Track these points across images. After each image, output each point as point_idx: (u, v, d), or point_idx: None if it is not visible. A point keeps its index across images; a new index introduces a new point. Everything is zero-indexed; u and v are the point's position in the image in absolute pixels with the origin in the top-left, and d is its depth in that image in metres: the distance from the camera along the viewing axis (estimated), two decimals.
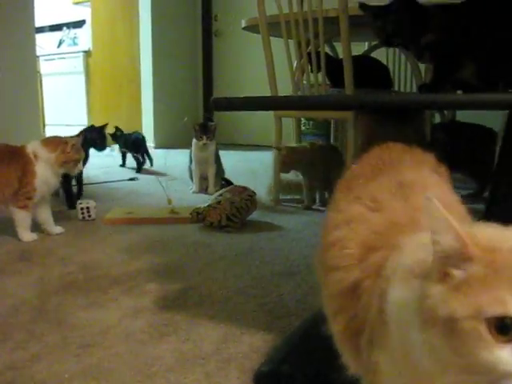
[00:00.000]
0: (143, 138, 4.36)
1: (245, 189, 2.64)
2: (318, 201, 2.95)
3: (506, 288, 0.48)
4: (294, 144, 3.12)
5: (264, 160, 4.22)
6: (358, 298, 0.66)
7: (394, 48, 3.40)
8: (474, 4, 1.25)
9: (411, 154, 0.89)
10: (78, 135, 2.55)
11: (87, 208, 2.61)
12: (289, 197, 3.11)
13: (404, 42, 1.33)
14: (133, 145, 4.24)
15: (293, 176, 3.04)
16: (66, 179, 2.61)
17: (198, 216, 2.49)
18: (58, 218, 2.46)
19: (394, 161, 0.86)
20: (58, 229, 2.38)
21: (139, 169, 4.16)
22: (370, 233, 0.70)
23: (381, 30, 1.32)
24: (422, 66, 2.96)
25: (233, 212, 2.44)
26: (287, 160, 2.78)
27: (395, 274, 0.58)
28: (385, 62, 3.35)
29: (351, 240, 0.71)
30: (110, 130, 3.77)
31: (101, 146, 3.17)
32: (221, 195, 2.57)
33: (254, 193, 2.65)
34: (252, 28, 3.13)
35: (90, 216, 2.62)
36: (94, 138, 3.10)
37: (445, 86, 1.22)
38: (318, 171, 2.83)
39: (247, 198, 2.56)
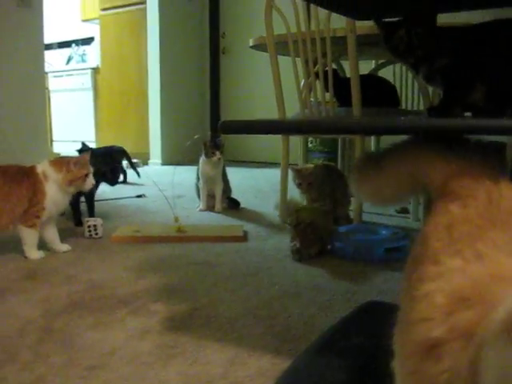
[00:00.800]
0: (118, 150, 4.22)
1: None
2: None
3: None
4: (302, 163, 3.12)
5: (270, 177, 4.22)
6: (438, 360, 0.54)
7: (401, 66, 3.40)
8: (485, 27, 1.25)
9: None
10: (85, 151, 2.56)
11: (94, 226, 2.61)
12: None
13: (420, 58, 1.31)
14: (103, 158, 4.01)
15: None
16: (74, 196, 2.60)
17: None
18: (64, 235, 2.46)
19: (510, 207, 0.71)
20: (64, 247, 2.38)
21: (112, 182, 3.92)
22: (465, 283, 0.57)
23: (401, 41, 1.30)
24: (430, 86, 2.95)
25: None
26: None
27: (495, 335, 0.46)
28: (392, 81, 3.35)
29: (441, 291, 0.59)
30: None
31: (112, 181, 3.12)
32: None
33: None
34: (259, 47, 3.14)
35: (96, 234, 2.62)
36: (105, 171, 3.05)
37: (454, 110, 1.21)
38: (320, 191, 2.82)
39: None
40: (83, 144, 4.02)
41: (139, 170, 4.38)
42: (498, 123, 0.89)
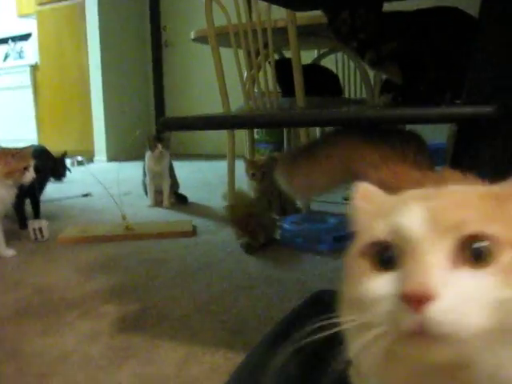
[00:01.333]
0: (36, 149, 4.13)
1: None
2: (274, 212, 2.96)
3: (378, 221, 0.52)
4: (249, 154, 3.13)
5: (217, 170, 4.21)
6: None
7: (343, 55, 3.44)
8: (429, 12, 1.27)
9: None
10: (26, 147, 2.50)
11: (39, 228, 2.55)
12: None
13: (364, 42, 1.30)
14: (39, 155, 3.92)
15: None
16: (18, 198, 2.53)
17: None
18: (9, 239, 2.40)
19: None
20: (10, 252, 2.32)
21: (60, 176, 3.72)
22: None
23: (344, 23, 1.29)
24: (371, 73, 2.99)
25: None
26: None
27: None
28: (334, 70, 3.38)
29: None
30: None
31: (60, 175, 3.05)
32: None
33: None
34: (201, 39, 3.12)
35: (42, 236, 2.56)
36: (51, 166, 2.98)
37: (417, 94, 1.23)
38: (270, 183, 2.84)
39: None
40: None
41: (84, 167, 4.30)
42: (440, 112, 0.91)
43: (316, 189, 1.15)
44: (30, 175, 2.31)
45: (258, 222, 2.33)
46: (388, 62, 1.28)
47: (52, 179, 3.05)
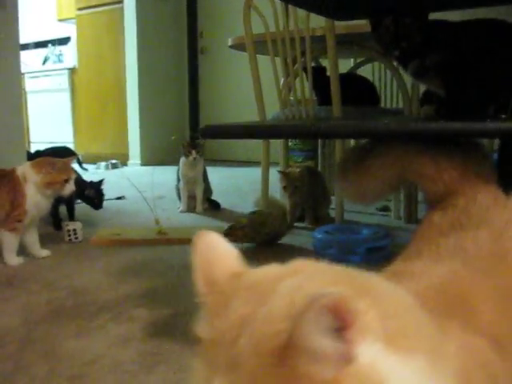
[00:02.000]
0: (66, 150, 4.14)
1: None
2: (306, 220, 2.95)
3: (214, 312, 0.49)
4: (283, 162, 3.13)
5: (250, 177, 4.21)
6: None
7: (379, 64, 3.41)
8: (477, 25, 1.24)
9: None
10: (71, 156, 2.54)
11: (74, 230, 2.58)
12: None
13: (407, 51, 1.28)
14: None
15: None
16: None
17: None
18: (43, 240, 2.42)
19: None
20: (44, 252, 2.34)
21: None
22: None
23: (387, 30, 1.26)
24: (408, 83, 2.96)
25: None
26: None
27: None
28: (371, 80, 3.35)
29: None
30: None
31: (98, 205, 3.04)
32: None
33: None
34: (238, 46, 3.12)
35: (76, 238, 2.58)
36: (91, 195, 2.98)
37: (461, 107, 1.20)
38: (302, 193, 2.84)
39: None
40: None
41: (118, 170, 4.34)
42: (485, 126, 0.89)
43: (367, 195, 1.14)
44: (70, 188, 2.30)
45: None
46: (432, 74, 1.25)
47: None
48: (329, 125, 1.24)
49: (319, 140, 3.85)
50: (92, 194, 2.93)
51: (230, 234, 2.35)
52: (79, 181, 2.88)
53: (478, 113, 1.18)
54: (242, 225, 2.46)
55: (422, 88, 2.15)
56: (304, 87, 2.63)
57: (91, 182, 3.02)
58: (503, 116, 1.15)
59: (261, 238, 2.47)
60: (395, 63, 1.92)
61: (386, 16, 1.26)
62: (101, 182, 3.03)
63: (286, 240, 2.59)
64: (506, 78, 1.19)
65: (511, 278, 0.62)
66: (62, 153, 3.80)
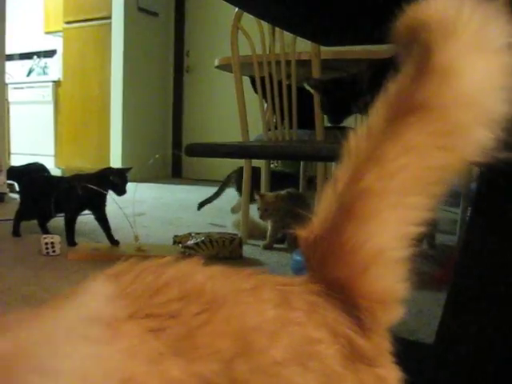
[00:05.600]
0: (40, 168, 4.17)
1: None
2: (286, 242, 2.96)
3: None
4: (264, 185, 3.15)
5: (232, 197, 4.21)
6: None
7: None
8: None
9: None
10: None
11: (52, 243, 2.56)
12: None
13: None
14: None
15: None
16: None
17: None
18: (20, 252, 2.40)
19: None
20: None
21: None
22: None
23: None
24: None
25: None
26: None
27: None
28: None
29: None
30: None
31: (122, 191, 3.03)
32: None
33: (240, 239, 2.73)
34: (225, 67, 3.15)
35: (54, 251, 2.56)
36: (116, 182, 2.95)
37: None
38: (279, 216, 2.87)
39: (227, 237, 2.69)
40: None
41: None
42: None
43: None
44: (1, 180, 2.33)
45: None
46: None
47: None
48: (312, 147, 1.26)
49: (301, 163, 3.88)
50: (117, 180, 2.91)
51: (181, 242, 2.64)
52: (100, 172, 2.94)
53: None
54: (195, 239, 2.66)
55: None
56: (289, 110, 2.66)
57: (118, 168, 3.03)
58: None
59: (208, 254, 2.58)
60: None
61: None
62: (128, 169, 3.04)
63: (264, 259, 2.60)
64: None
65: None
66: (34, 169, 3.80)
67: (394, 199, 0.47)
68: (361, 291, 0.47)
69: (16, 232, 2.96)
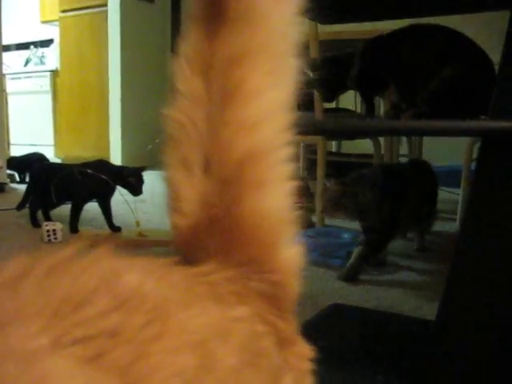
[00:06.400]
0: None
1: None
2: None
3: None
4: None
5: None
6: None
7: None
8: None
9: None
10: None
11: (53, 230, 2.56)
12: None
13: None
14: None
15: None
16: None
17: None
18: (21, 239, 2.40)
19: None
20: None
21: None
22: None
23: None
24: None
25: None
26: None
27: None
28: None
29: None
30: None
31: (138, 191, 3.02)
32: None
33: None
34: None
35: (56, 238, 2.56)
36: (133, 183, 2.95)
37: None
38: None
39: None
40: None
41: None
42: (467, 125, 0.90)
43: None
44: None
45: None
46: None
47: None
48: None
49: (301, 145, 3.88)
50: (133, 180, 2.91)
51: None
52: (117, 168, 2.97)
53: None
54: None
55: None
56: None
57: (133, 168, 3.03)
58: (482, 117, 1.18)
59: None
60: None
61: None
62: (142, 168, 3.03)
63: None
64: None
65: None
66: (34, 159, 3.81)
67: (272, 156, 0.44)
68: (274, 264, 0.44)
69: (34, 222, 2.92)
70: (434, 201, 2.39)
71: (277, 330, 0.42)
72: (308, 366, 0.46)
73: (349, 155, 3.61)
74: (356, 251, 2.06)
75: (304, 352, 0.47)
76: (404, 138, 3.58)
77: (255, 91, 0.44)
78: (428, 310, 1.69)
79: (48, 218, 2.91)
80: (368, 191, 1.97)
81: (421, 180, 2.22)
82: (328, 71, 2.52)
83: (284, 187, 0.45)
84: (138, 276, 0.34)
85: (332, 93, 2.19)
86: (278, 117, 0.45)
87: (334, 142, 3.82)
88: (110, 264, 0.35)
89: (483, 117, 1.18)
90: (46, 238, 2.56)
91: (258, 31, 0.44)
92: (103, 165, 2.94)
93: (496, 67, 1.23)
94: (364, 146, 3.42)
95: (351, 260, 2.07)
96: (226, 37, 0.45)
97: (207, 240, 0.44)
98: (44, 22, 7.15)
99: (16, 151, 5.83)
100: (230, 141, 0.43)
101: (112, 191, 2.84)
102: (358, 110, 3.27)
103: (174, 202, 0.46)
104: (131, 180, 2.88)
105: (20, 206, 3.03)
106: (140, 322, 0.31)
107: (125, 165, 6.20)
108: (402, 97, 1.49)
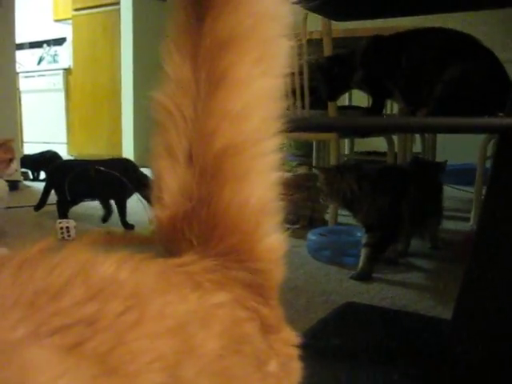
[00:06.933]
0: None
1: None
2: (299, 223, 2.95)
3: None
4: None
5: None
6: None
7: None
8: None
9: None
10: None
11: (67, 228, 2.57)
12: None
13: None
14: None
15: None
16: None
17: None
18: (35, 236, 2.40)
19: None
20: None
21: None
22: None
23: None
24: None
25: None
26: None
27: None
28: None
29: None
30: None
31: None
32: None
33: None
34: None
35: (69, 236, 2.57)
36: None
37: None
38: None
39: None
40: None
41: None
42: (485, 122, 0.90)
43: None
44: (13, 168, 2.34)
45: None
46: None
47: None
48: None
49: (314, 144, 3.87)
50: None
51: None
52: (140, 174, 2.93)
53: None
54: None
55: None
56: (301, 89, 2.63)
57: None
58: (500, 114, 1.17)
59: None
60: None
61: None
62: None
63: None
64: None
65: None
66: (49, 157, 3.83)
67: (257, 147, 0.44)
68: (256, 252, 0.44)
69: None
70: (439, 198, 2.38)
71: (260, 317, 0.42)
72: (294, 351, 0.47)
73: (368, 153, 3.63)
74: (363, 252, 2.07)
75: (289, 338, 0.47)
76: (417, 137, 3.56)
77: (242, 80, 0.44)
78: (443, 309, 1.68)
79: (64, 216, 2.91)
80: (353, 180, 2.01)
81: (422, 177, 2.21)
82: (330, 70, 2.51)
83: (268, 178, 0.45)
84: (113, 266, 0.35)
85: (334, 92, 2.21)
86: (264, 107, 0.45)
87: (346, 141, 3.81)
88: (85, 256, 0.36)
89: (500, 114, 1.17)
90: (60, 236, 2.57)
91: (246, 15, 0.43)
92: (125, 163, 2.97)
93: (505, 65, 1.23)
94: (376, 144, 3.41)
95: (360, 263, 2.07)
96: (214, 21, 0.44)
97: (188, 231, 0.44)
98: (57, 21, 7.18)
99: (29, 149, 5.86)
100: (213, 131, 0.43)
101: (131, 193, 2.85)
102: None
103: (157, 192, 0.46)
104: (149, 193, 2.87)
105: (38, 207, 3.03)
106: (117, 310, 0.31)
107: (138, 163, 6.23)
108: (406, 102, 1.49)
